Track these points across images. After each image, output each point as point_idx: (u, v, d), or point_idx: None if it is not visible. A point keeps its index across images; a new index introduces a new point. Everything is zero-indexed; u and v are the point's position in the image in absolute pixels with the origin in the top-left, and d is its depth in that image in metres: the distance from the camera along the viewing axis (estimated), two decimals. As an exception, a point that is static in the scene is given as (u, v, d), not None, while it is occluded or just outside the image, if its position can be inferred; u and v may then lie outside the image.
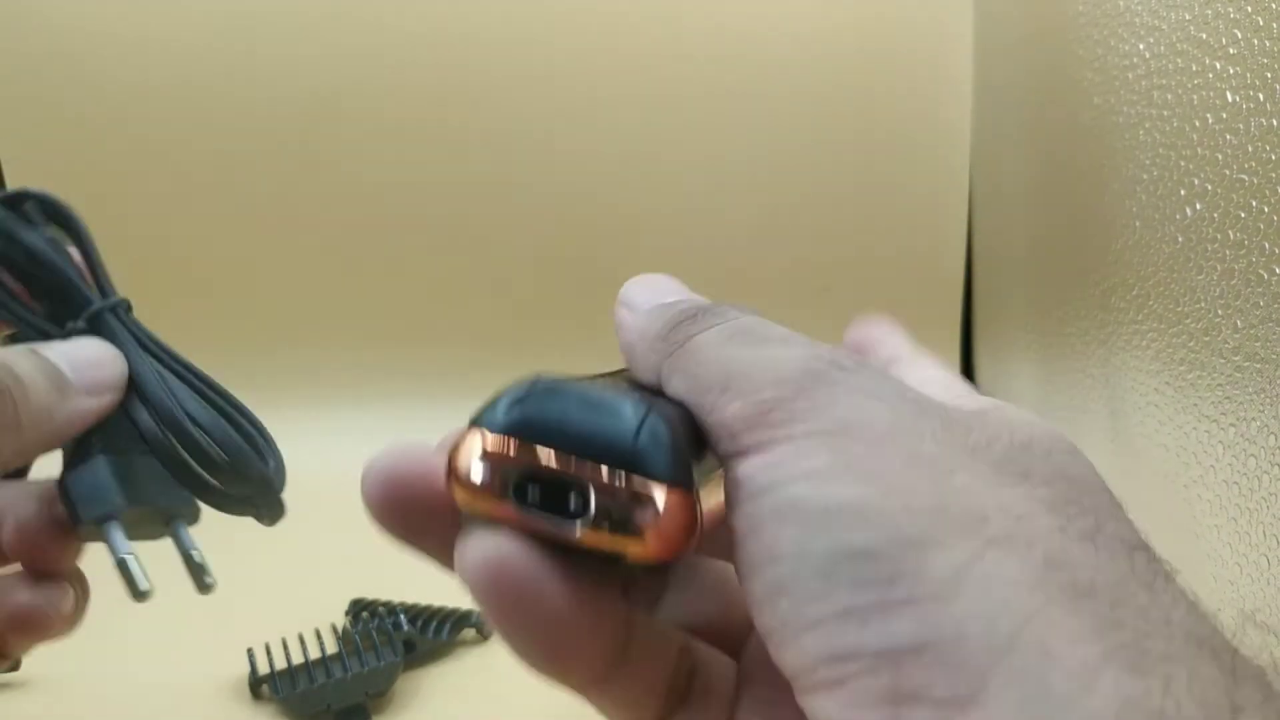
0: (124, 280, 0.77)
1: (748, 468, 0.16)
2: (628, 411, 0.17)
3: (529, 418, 0.17)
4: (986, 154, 0.66)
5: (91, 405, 0.25)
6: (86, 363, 0.25)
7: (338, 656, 0.45)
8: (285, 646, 0.45)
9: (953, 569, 0.14)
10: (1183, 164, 0.36)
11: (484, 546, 0.16)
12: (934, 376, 0.21)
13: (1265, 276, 0.31)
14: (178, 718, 0.43)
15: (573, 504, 0.17)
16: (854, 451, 0.16)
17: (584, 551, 0.17)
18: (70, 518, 0.25)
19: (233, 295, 0.70)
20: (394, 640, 0.46)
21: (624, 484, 0.17)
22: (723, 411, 0.17)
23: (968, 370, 0.71)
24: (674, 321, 0.20)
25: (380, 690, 0.44)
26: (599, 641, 0.18)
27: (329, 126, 0.68)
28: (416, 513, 0.18)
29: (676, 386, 0.19)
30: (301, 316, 0.70)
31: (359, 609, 0.49)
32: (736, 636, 0.22)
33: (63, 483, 0.25)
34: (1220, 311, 0.34)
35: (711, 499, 0.18)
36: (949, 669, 0.14)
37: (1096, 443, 0.47)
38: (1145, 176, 0.39)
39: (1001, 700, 0.13)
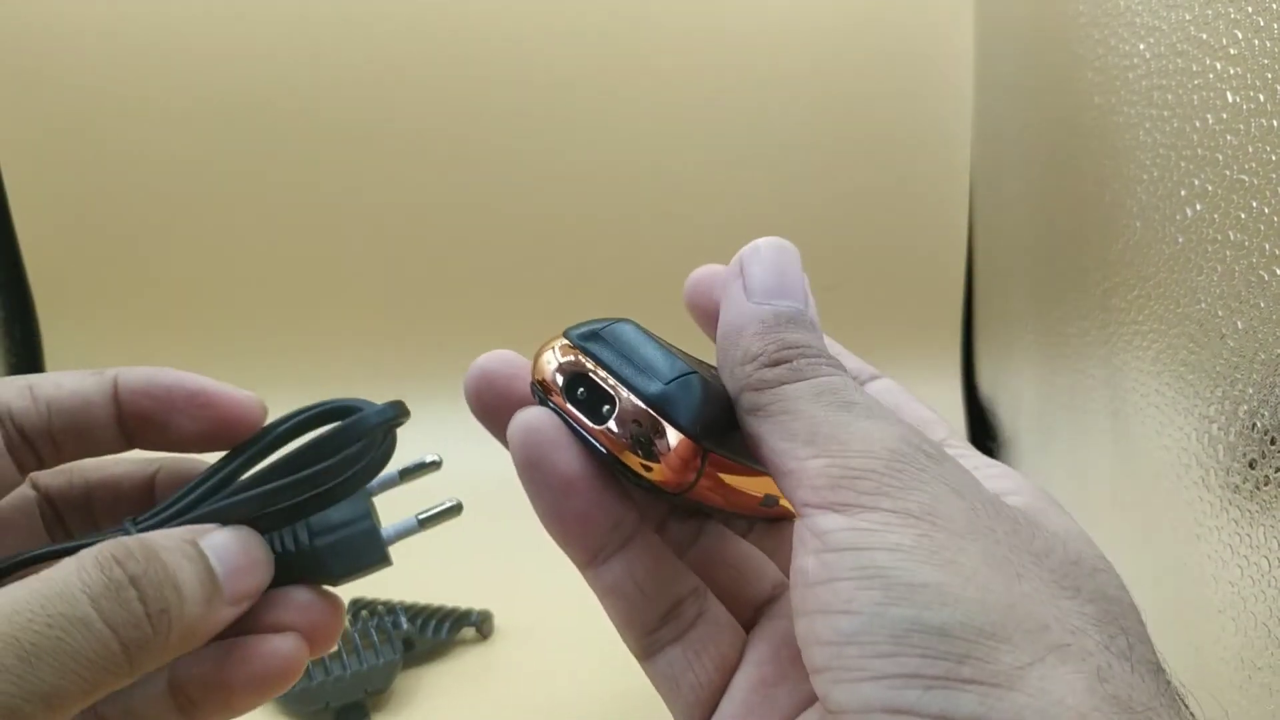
0: (125, 280, 0.77)
1: (830, 523, 0.18)
2: (673, 368, 0.21)
3: (597, 340, 0.22)
4: (986, 154, 0.66)
5: (230, 616, 0.22)
6: (238, 568, 0.22)
7: (337, 655, 0.45)
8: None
9: (1018, 664, 0.16)
10: (1183, 164, 0.36)
11: (529, 415, 0.21)
12: (978, 465, 0.23)
13: (1265, 277, 0.31)
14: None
15: (605, 412, 0.21)
16: (938, 539, 0.18)
17: (602, 455, 0.21)
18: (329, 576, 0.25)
19: (235, 295, 0.70)
20: (393, 638, 0.46)
21: (642, 412, 0.21)
22: (805, 464, 0.19)
23: (968, 370, 0.71)
24: (774, 350, 0.21)
25: (379, 688, 0.44)
26: (597, 517, 0.22)
27: (331, 126, 0.68)
28: (501, 403, 0.23)
29: (754, 426, 0.20)
30: (307, 316, 0.70)
31: (358, 608, 0.49)
32: (746, 612, 0.25)
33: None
34: (1221, 312, 0.34)
35: (742, 485, 0.22)
36: None
37: (1097, 443, 0.47)
38: (1145, 177, 0.39)
39: None
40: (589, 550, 0.22)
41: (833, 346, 0.25)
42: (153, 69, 0.66)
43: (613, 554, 0.23)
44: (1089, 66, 0.45)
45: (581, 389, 0.22)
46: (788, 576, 0.22)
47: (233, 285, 0.70)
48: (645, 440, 0.21)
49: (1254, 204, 0.31)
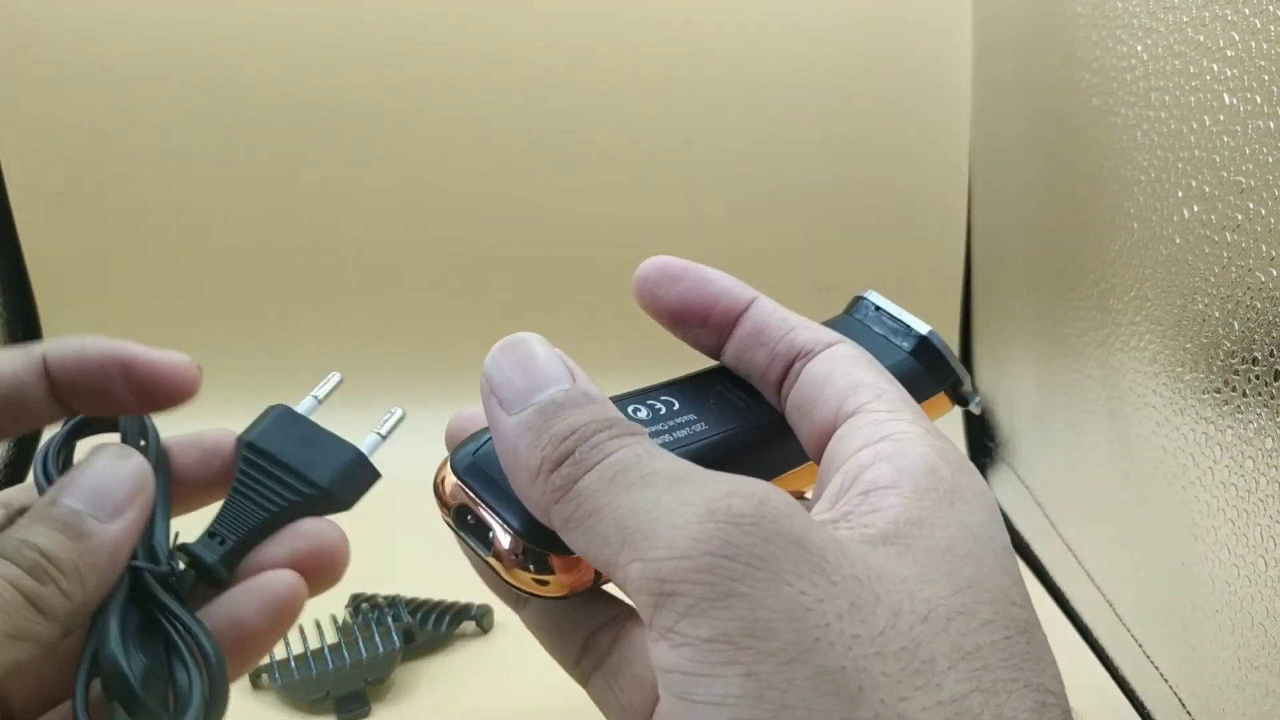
0: (126, 277, 0.77)
1: (662, 659, 0.17)
2: None
3: (469, 474, 0.22)
4: (986, 154, 0.66)
5: (120, 529, 0.22)
6: (96, 492, 0.22)
7: (337, 646, 0.45)
8: (285, 638, 0.45)
9: None
10: (1180, 165, 0.36)
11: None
12: (886, 431, 0.21)
13: (1263, 278, 0.31)
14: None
15: (489, 539, 0.22)
16: (763, 676, 0.16)
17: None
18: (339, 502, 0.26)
19: (236, 291, 0.70)
20: (393, 630, 0.46)
21: (518, 547, 0.21)
22: (626, 571, 0.18)
23: (967, 371, 0.71)
24: (550, 453, 0.19)
25: (379, 677, 0.44)
26: (562, 638, 0.23)
27: (332, 122, 0.68)
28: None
29: (573, 541, 0.19)
30: (305, 314, 0.70)
31: (359, 602, 0.49)
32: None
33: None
34: (1218, 313, 0.34)
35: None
36: None
37: (1094, 443, 0.47)
38: (1143, 178, 0.39)
39: None
40: (512, 599, 0.24)
41: (775, 315, 0.24)
42: (154, 66, 0.66)
43: (593, 665, 0.23)
44: (1087, 68, 0.45)
45: (469, 517, 0.22)
46: None
47: (234, 281, 0.70)
48: (528, 565, 0.21)
49: (1251, 205, 0.31)
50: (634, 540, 0.17)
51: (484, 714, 0.45)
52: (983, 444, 0.67)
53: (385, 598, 0.49)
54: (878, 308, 0.30)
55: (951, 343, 0.71)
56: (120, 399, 0.25)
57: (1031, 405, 0.58)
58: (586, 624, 0.23)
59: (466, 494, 0.22)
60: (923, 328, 0.29)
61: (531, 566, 0.21)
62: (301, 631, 0.46)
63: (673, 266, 0.25)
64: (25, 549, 0.20)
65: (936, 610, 0.17)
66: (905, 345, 0.28)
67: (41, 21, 0.65)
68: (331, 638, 0.46)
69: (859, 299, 0.30)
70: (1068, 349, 0.50)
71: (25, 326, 0.69)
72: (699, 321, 0.25)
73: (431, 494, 0.23)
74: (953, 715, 0.16)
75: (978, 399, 0.30)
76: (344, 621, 0.48)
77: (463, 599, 0.50)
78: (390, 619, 0.47)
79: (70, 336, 0.25)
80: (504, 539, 0.21)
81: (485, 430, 0.22)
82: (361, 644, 0.45)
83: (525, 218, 0.70)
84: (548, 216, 0.70)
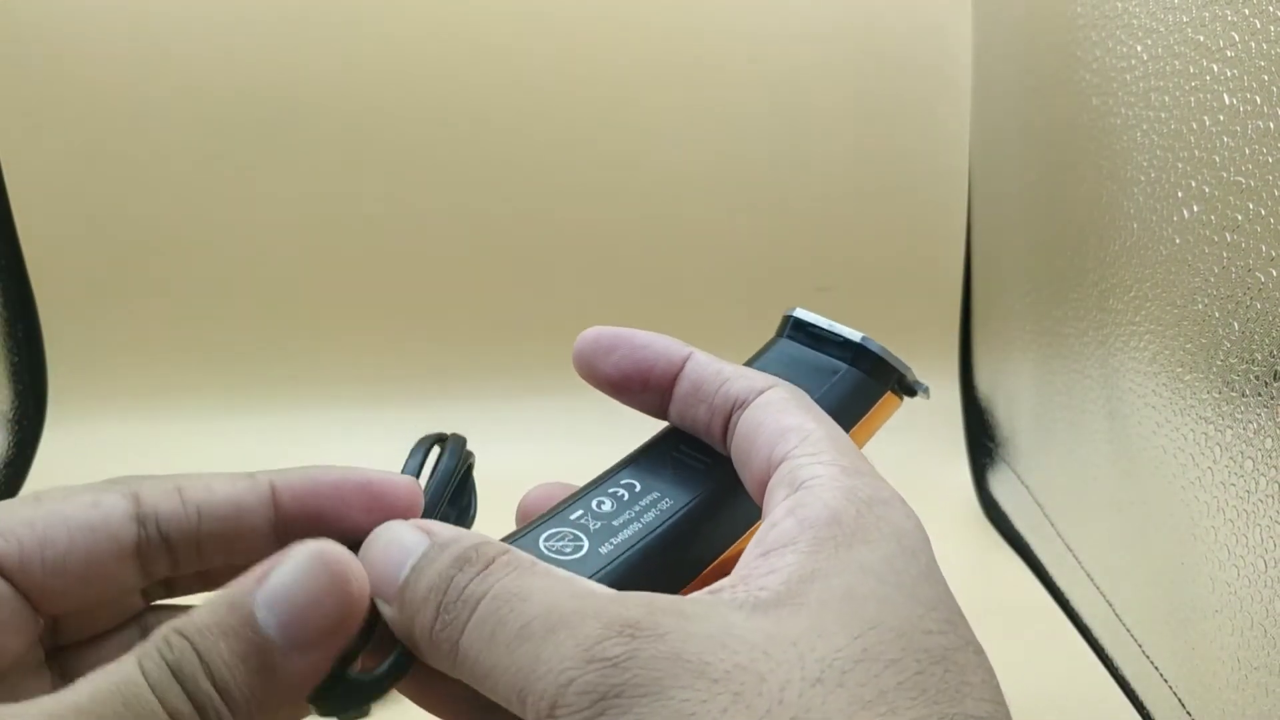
0: (127, 279, 0.77)
1: None
2: None
3: None
4: (985, 155, 0.66)
5: (305, 666, 0.19)
6: (299, 615, 0.19)
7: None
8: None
9: None
10: (1180, 166, 0.36)
11: None
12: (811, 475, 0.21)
13: (1262, 279, 0.31)
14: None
15: None
16: None
17: None
18: None
19: (238, 293, 0.70)
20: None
21: None
22: (514, 690, 0.17)
23: (966, 371, 0.71)
24: (426, 619, 0.19)
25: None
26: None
27: (335, 126, 0.68)
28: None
29: (467, 669, 0.18)
30: (311, 316, 0.70)
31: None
32: None
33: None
34: (1218, 314, 0.34)
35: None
36: None
37: (1094, 443, 0.47)
38: (1143, 178, 0.39)
39: None
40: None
41: (709, 370, 0.24)
42: (155, 68, 0.66)
43: None
44: (1087, 68, 0.45)
45: None
46: None
47: (236, 284, 0.70)
48: None
49: (1251, 206, 0.31)
50: (528, 700, 0.17)
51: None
52: (983, 444, 0.67)
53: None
54: (808, 325, 0.31)
55: (951, 342, 0.71)
56: (355, 525, 0.23)
57: (1031, 405, 0.58)
58: None
59: None
60: (855, 335, 0.29)
61: None
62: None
63: (604, 337, 0.26)
64: (201, 680, 0.18)
65: (831, 667, 0.17)
66: (844, 357, 0.29)
67: (41, 21, 0.65)
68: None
69: (787, 318, 0.31)
70: (1068, 349, 0.50)
71: (25, 326, 0.69)
72: (639, 387, 0.26)
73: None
74: None
75: (924, 386, 0.30)
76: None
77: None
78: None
79: (294, 468, 0.23)
80: None
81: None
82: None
83: (526, 219, 0.70)
84: (548, 219, 0.70)
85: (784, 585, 0.18)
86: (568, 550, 0.23)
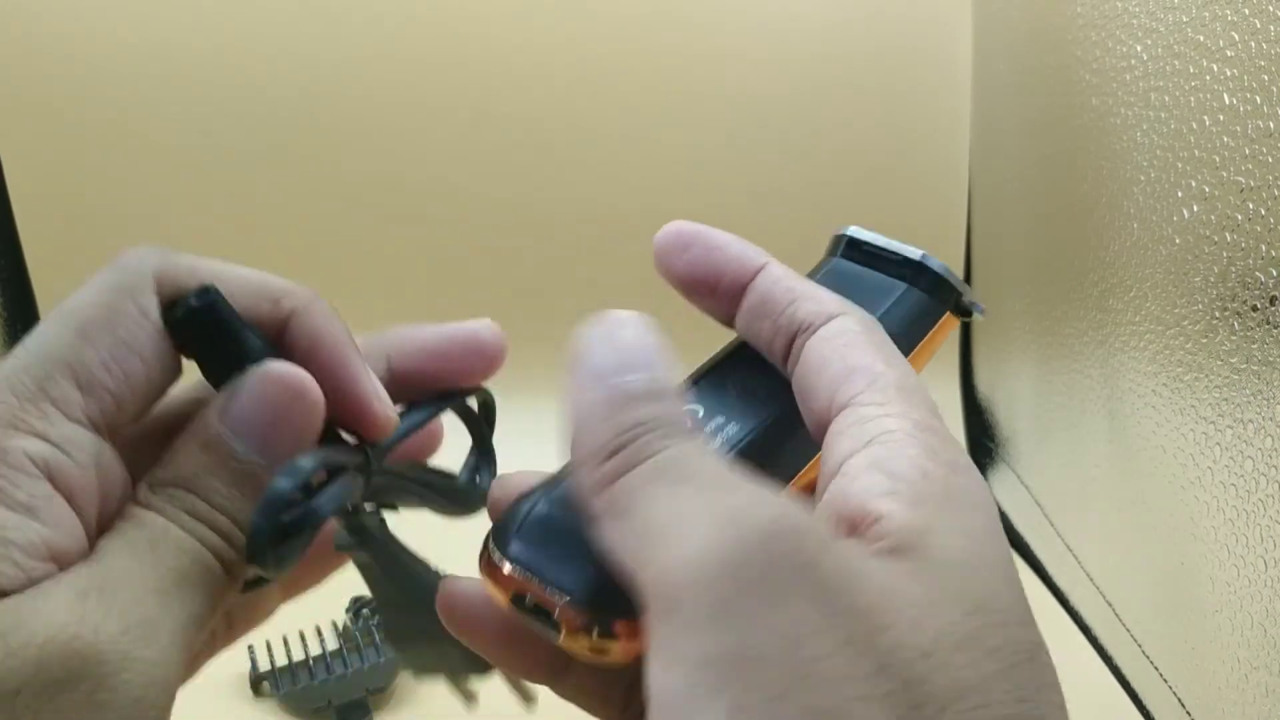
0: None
1: (657, 679, 0.16)
2: (588, 556, 0.20)
3: (517, 557, 0.21)
4: (986, 155, 0.66)
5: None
6: (264, 428, 0.21)
7: (338, 653, 0.45)
8: (286, 643, 0.45)
9: None
10: (1180, 165, 0.36)
11: (447, 611, 0.23)
12: (885, 427, 0.20)
13: (1262, 278, 0.31)
14: (177, 714, 0.43)
15: (551, 619, 0.21)
16: (748, 710, 0.15)
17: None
18: None
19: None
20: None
21: (586, 618, 0.20)
22: (644, 574, 0.17)
23: (966, 371, 0.71)
24: (613, 438, 0.19)
25: (381, 686, 0.44)
26: (534, 656, 0.22)
27: (333, 123, 0.68)
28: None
29: (606, 534, 0.19)
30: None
31: (359, 606, 0.49)
32: None
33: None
34: (1217, 313, 0.34)
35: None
36: None
37: (1094, 443, 0.47)
38: (1143, 178, 0.39)
39: None
40: (545, 677, 0.23)
41: (779, 286, 0.23)
42: (155, 67, 0.66)
43: (565, 668, 0.23)
44: (1087, 68, 0.45)
45: (526, 599, 0.21)
46: None
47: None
48: (596, 634, 0.20)
49: (1250, 205, 0.31)
50: (654, 541, 0.17)
51: (483, 715, 0.45)
52: (983, 444, 0.67)
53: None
54: (864, 243, 0.29)
55: (952, 343, 0.71)
56: (457, 378, 0.25)
57: (1031, 405, 0.58)
58: (624, 682, 0.23)
59: (519, 579, 0.21)
60: (915, 253, 0.27)
61: (597, 636, 0.20)
62: (302, 637, 0.46)
63: (683, 233, 0.25)
64: (218, 515, 0.20)
65: (942, 642, 0.17)
66: (903, 276, 0.27)
67: (42, 22, 0.65)
68: (332, 643, 0.46)
69: (842, 237, 0.28)
70: (1067, 349, 0.50)
71: (25, 327, 0.69)
72: (707, 291, 0.24)
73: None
74: None
75: (980, 306, 0.29)
76: (344, 626, 0.48)
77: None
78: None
79: (396, 329, 0.25)
80: (568, 616, 0.20)
81: (521, 500, 0.22)
82: (363, 652, 0.45)
83: (527, 218, 0.70)
84: (549, 218, 0.70)
85: (898, 537, 0.18)
86: None
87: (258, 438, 0.21)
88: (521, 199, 0.69)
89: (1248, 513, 0.32)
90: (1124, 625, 0.45)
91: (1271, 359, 0.31)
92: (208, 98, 0.67)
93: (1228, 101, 0.32)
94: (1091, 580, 0.49)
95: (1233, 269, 0.33)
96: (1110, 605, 0.46)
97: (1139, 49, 0.39)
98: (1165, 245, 0.38)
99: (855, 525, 0.18)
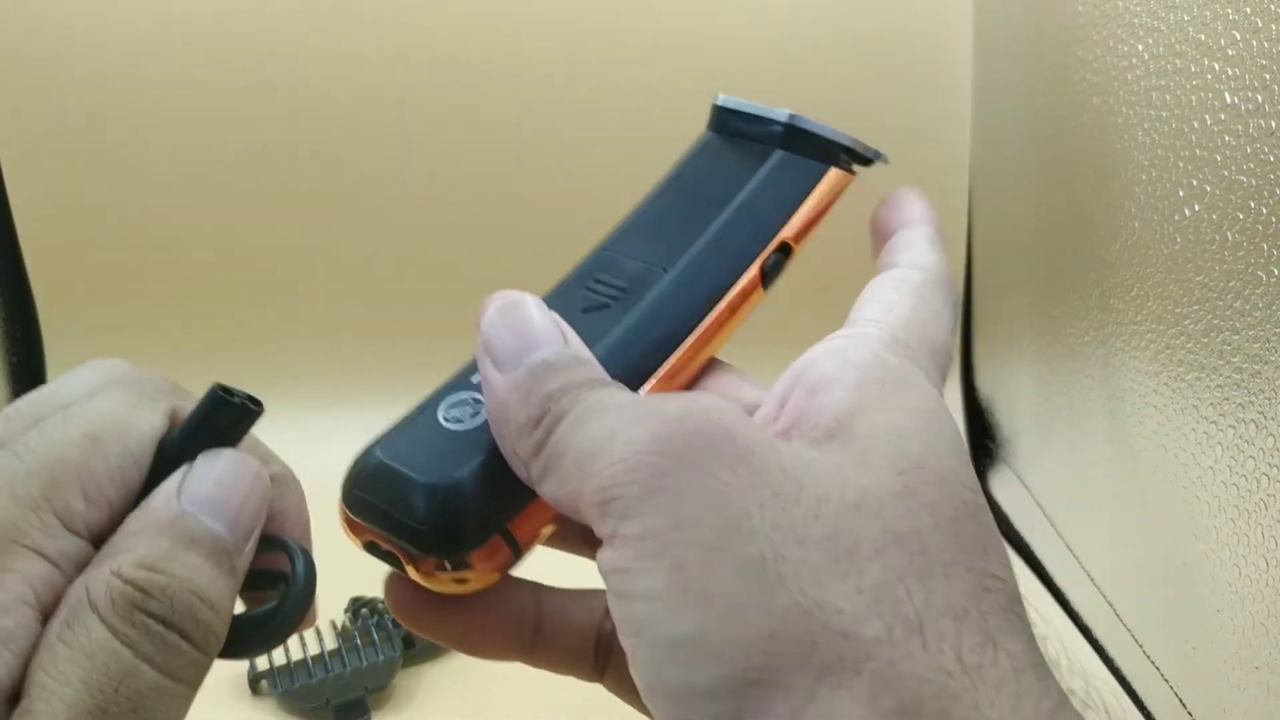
0: (127, 279, 0.77)
1: (604, 561, 0.18)
2: (418, 502, 0.20)
3: (359, 509, 0.22)
4: (985, 154, 0.66)
5: (252, 550, 0.21)
6: (236, 510, 0.20)
7: (337, 652, 0.45)
8: (284, 643, 0.45)
9: (791, 708, 0.15)
10: (1181, 165, 0.36)
11: (388, 596, 0.23)
12: (875, 315, 0.22)
13: (1264, 278, 0.31)
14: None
15: (403, 564, 0.21)
16: (688, 567, 0.16)
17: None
18: None
19: (236, 293, 0.70)
20: (393, 636, 0.46)
21: (425, 560, 0.21)
22: (584, 500, 0.18)
23: (967, 371, 0.71)
24: (535, 411, 0.20)
25: (379, 685, 0.44)
26: (499, 637, 0.23)
27: (333, 125, 0.68)
28: None
29: (548, 492, 0.19)
30: (311, 316, 0.70)
31: (358, 606, 0.49)
32: None
33: None
34: (1219, 313, 0.34)
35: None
36: None
37: (1095, 443, 0.47)
38: (1144, 177, 0.39)
39: None
40: (516, 653, 0.24)
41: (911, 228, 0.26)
42: (154, 68, 0.66)
43: (533, 640, 0.24)
44: (1088, 67, 0.45)
45: (379, 547, 0.22)
46: None
47: (235, 284, 0.70)
48: (449, 569, 0.21)
49: (1252, 204, 0.31)
50: (586, 466, 0.18)
51: (483, 716, 0.45)
52: (983, 444, 0.67)
53: (384, 601, 0.49)
54: (733, 111, 0.30)
55: (952, 343, 0.71)
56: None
57: (1031, 405, 0.58)
58: (591, 628, 0.24)
59: (366, 529, 0.22)
60: (782, 114, 0.29)
61: (450, 569, 0.21)
62: (301, 637, 0.46)
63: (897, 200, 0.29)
64: (191, 596, 0.19)
65: (870, 495, 0.17)
66: (773, 140, 0.28)
67: (41, 21, 0.65)
68: (331, 643, 0.46)
69: (714, 108, 0.30)
70: (1068, 349, 0.50)
71: (25, 327, 0.69)
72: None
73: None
74: (873, 602, 0.16)
75: (880, 152, 0.30)
76: (343, 626, 0.48)
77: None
78: (390, 624, 0.47)
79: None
80: (416, 558, 0.21)
81: (364, 453, 0.22)
82: (361, 651, 0.45)
83: (527, 220, 0.69)
84: (548, 221, 0.70)
85: (834, 421, 0.19)
86: (465, 418, 0.23)
87: (230, 513, 0.20)
88: (521, 200, 0.69)
89: (1249, 512, 0.32)
90: (1124, 625, 0.45)
91: (1273, 359, 0.31)
92: (208, 98, 0.67)
93: (1229, 100, 0.32)
94: (1092, 580, 0.49)
95: (1235, 268, 0.33)
96: (1110, 605, 0.46)
97: (1140, 48, 0.39)
98: (1166, 244, 0.37)
99: (797, 419, 0.20)
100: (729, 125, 0.29)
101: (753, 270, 0.25)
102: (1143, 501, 0.41)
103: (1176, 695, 0.39)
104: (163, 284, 0.70)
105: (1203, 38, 0.34)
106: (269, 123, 0.67)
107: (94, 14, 0.65)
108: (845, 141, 0.27)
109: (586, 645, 0.24)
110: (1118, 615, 0.45)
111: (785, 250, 0.26)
